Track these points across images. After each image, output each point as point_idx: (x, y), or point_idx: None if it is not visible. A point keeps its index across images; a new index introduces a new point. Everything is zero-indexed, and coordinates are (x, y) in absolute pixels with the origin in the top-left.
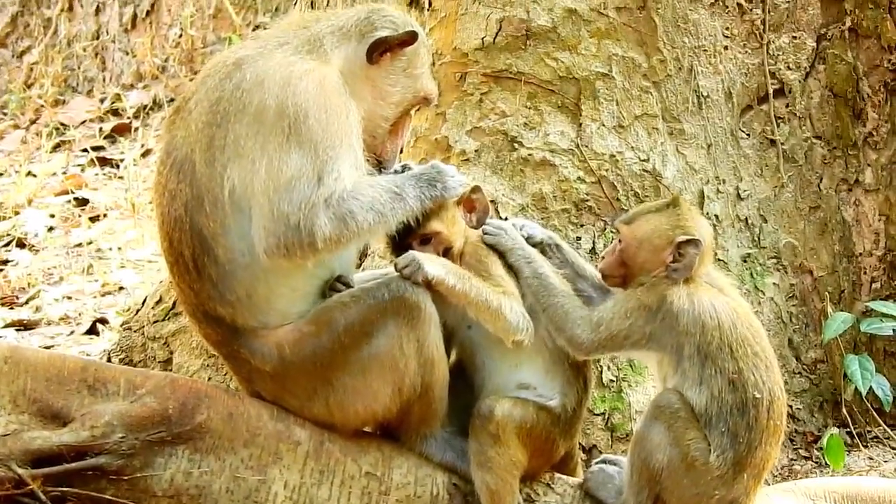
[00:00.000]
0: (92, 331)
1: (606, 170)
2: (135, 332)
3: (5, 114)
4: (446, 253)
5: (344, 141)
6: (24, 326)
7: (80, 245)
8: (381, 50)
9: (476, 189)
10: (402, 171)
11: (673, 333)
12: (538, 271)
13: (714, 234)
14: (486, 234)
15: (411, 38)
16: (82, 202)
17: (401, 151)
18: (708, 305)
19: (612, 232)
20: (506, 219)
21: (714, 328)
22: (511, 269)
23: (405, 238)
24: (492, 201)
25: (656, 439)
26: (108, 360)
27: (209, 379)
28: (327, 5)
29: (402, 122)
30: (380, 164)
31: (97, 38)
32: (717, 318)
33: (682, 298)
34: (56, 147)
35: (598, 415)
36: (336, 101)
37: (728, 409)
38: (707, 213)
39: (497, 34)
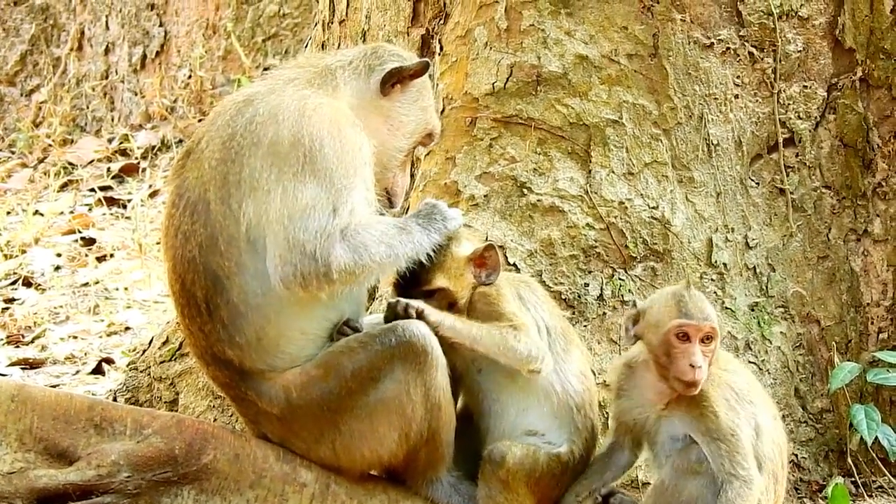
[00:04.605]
0: (97, 370)
1: (615, 217)
2: (141, 372)
3: (13, 152)
4: (451, 307)
5: (358, 172)
6: (30, 365)
7: (86, 285)
8: (394, 81)
9: (489, 247)
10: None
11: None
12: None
13: (721, 282)
14: None
15: (423, 68)
16: (89, 242)
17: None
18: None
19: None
20: (514, 265)
21: (751, 384)
22: None
23: (410, 289)
24: (500, 246)
25: (694, 492)
26: (114, 399)
27: (215, 420)
28: (338, 48)
29: (409, 158)
30: (389, 200)
31: (106, 78)
32: (744, 375)
33: (724, 387)
34: (63, 186)
35: None
36: (350, 133)
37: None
38: (715, 262)
39: (508, 79)
